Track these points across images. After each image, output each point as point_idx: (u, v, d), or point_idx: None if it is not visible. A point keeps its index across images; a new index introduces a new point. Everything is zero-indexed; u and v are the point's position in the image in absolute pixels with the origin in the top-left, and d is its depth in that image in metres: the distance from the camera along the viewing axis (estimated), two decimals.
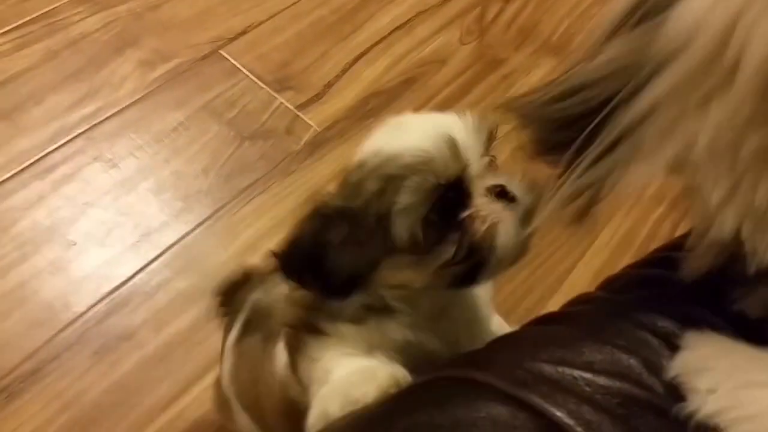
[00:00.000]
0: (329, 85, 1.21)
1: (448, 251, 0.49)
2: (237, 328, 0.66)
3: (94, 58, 1.14)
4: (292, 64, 1.22)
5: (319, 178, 1.09)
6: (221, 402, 0.71)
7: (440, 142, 0.49)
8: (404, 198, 0.48)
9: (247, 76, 1.18)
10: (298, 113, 1.16)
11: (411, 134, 0.51)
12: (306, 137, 1.14)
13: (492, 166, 0.54)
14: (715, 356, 0.43)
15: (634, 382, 0.41)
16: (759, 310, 0.43)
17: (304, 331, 0.54)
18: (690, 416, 0.39)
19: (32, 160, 1.01)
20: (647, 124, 0.39)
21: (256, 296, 0.66)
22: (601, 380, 0.41)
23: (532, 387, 0.40)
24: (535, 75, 1.32)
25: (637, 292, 0.51)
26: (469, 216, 0.49)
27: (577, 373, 0.41)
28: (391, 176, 0.48)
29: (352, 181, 0.51)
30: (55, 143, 1.04)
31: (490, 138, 0.55)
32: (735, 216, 0.38)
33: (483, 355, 0.48)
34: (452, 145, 0.49)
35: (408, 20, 1.35)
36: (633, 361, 0.42)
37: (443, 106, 1.23)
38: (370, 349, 0.53)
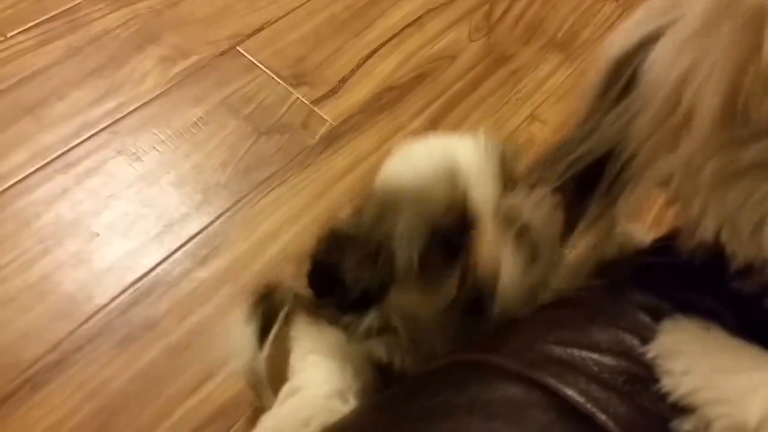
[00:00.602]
0: (344, 81, 1.18)
1: (450, 283, 0.47)
2: (279, 321, 0.63)
3: (115, 55, 1.12)
4: (308, 59, 1.20)
5: (334, 171, 1.07)
6: (254, 383, 0.69)
7: (442, 170, 0.47)
8: (401, 228, 0.46)
9: (264, 71, 1.16)
10: (314, 108, 1.13)
11: (415, 162, 0.50)
12: (321, 131, 1.11)
13: (510, 189, 0.50)
14: (689, 341, 0.44)
15: (636, 361, 0.42)
16: (752, 287, 0.43)
17: (304, 307, 0.55)
18: (666, 396, 0.41)
19: (56, 155, 0.99)
20: (635, 161, 0.45)
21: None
22: (607, 360, 0.42)
23: (543, 368, 0.41)
24: (542, 70, 1.29)
25: (639, 278, 0.50)
26: (471, 248, 0.47)
27: (584, 353, 0.42)
28: (390, 206, 0.47)
29: (360, 208, 0.51)
30: (79, 138, 1.01)
31: (506, 161, 0.51)
32: (713, 224, 0.42)
33: (495, 339, 0.48)
34: (452, 174, 0.47)
35: (419, 17, 1.32)
36: (635, 341, 0.43)
37: (454, 101, 1.20)
38: (343, 360, 0.53)
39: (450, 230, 0.47)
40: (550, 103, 1.25)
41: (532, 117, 1.22)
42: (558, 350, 0.43)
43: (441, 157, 0.48)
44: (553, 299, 0.52)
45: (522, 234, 0.48)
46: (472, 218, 0.47)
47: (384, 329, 0.52)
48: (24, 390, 0.80)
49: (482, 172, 0.48)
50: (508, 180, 0.50)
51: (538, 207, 0.50)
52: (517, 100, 1.24)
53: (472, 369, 0.44)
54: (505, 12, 1.38)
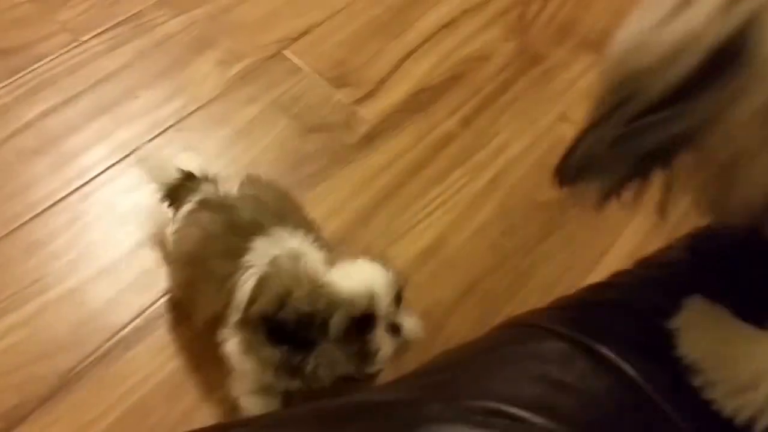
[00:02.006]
0: (382, 82, 1.54)
1: (356, 347, 0.94)
2: (191, 203, 1.08)
3: (178, 58, 1.49)
4: (349, 61, 1.56)
5: (373, 167, 1.41)
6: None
7: (365, 288, 0.92)
8: (337, 317, 0.90)
9: (310, 73, 1.52)
10: (355, 108, 1.49)
11: (355, 278, 0.93)
12: (362, 130, 1.46)
13: (398, 305, 0.97)
14: (701, 317, 0.69)
15: (656, 330, 0.70)
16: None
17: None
18: (681, 358, 0.67)
19: (132, 149, 1.36)
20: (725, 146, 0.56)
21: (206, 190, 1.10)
22: (633, 328, 0.72)
23: (582, 331, 0.70)
24: (574, 70, 1.62)
25: (664, 269, 0.82)
26: (369, 339, 0.94)
27: (613, 323, 0.72)
28: (331, 303, 0.91)
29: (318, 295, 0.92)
30: (151, 134, 1.38)
31: (399, 288, 0.97)
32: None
33: (546, 310, 0.81)
34: (371, 292, 0.92)
35: (453, 19, 1.66)
36: (656, 317, 0.71)
37: (487, 101, 1.54)
38: (261, 386, 1.03)
39: (363, 321, 0.92)
40: (580, 104, 1.57)
41: (562, 117, 1.55)
42: (592, 319, 0.72)
43: (368, 278, 0.93)
44: (591, 285, 0.86)
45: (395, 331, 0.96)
46: (376, 318, 0.93)
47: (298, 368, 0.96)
48: (117, 349, 1.16)
49: (385, 293, 0.93)
50: (396, 296, 0.95)
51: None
52: (548, 100, 1.57)
53: (528, 329, 0.74)
54: (538, 13, 1.72)
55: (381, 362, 0.95)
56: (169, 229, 1.11)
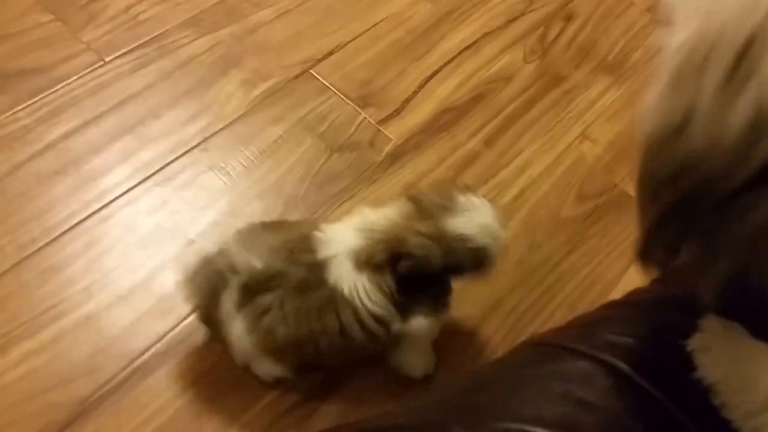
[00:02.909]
0: (407, 101, 1.35)
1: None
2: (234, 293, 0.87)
3: (202, 78, 1.30)
4: (374, 82, 1.37)
5: (398, 186, 1.23)
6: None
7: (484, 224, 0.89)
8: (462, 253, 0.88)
9: (335, 93, 1.33)
10: (380, 127, 1.30)
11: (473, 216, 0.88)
12: (387, 149, 1.28)
13: None
14: (717, 339, 0.61)
15: (671, 349, 0.62)
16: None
17: None
18: (700, 381, 0.60)
19: (155, 170, 1.17)
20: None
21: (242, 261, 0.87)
22: (649, 346, 0.64)
23: (602, 349, 0.62)
24: (594, 91, 1.45)
25: (681, 287, 0.67)
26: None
27: (631, 340, 0.64)
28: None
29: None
30: (175, 154, 1.20)
31: None
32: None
33: (567, 329, 0.70)
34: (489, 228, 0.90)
35: (475, 41, 1.48)
36: (674, 333, 0.63)
37: (509, 121, 1.36)
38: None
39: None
40: (600, 123, 1.40)
41: (583, 136, 1.37)
42: (612, 337, 0.65)
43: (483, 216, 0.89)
44: (612, 301, 0.78)
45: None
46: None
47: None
48: (136, 376, 0.98)
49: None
50: None
51: None
52: (569, 119, 1.39)
53: (549, 349, 0.65)
54: (559, 35, 1.53)
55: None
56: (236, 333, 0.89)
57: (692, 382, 0.60)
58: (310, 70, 1.36)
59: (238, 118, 1.26)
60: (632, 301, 0.75)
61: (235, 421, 0.97)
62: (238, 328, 0.87)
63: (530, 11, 1.57)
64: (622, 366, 0.61)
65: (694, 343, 0.62)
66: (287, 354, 0.91)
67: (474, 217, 0.86)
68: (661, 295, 0.72)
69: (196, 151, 1.21)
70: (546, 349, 0.66)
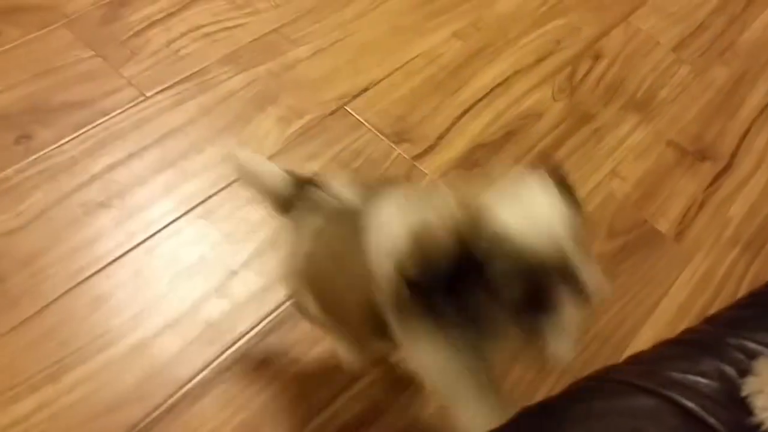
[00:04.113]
0: (440, 137, 1.43)
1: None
2: (317, 217, 0.81)
3: (240, 114, 1.39)
4: (408, 118, 1.45)
5: None
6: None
7: (547, 236, 0.67)
8: (498, 265, 0.66)
9: (370, 129, 1.41)
10: (414, 163, 1.38)
11: (525, 215, 0.66)
12: (422, 185, 1.36)
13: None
14: None
15: (734, 386, 0.66)
16: None
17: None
18: (758, 426, 0.62)
19: (197, 202, 1.25)
20: None
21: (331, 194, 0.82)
22: (714, 384, 0.67)
23: (669, 387, 0.65)
24: (622, 129, 1.53)
25: (733, 325, 0.76)
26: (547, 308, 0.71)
27: (698, 378, 0.67)
28: (493, 241, 0.65)
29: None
30: (216, 188, 1.27)
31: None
32: None
33: (626, 366, 0.74)
34: (553, 237, 0.67)
35: (506, 78, 1.57)
36: (733, 372, 0.67)
37: (541, 157, 1.43)
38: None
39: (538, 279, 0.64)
40: (629, 161, 1.47)
41: (612, 173, 1.45)
42: (677, 375, 0.68)
43: (545, 220, 0.65)
44: (667, 340, 0.79)
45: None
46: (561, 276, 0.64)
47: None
48: (184, 402, 1.04)
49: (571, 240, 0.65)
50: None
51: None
52: (598, 157, 1.47)
53: (614, 385, 0.69)
54: (587, 73, 1.62)
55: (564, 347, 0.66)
56: (293, 246, 0.88)
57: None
58: (345, 107, 1.44)
59: (274, 154, 1.34)
60: (688, 339, 0.78)
61: None
62: None
63: (559, 50, 1.66)
64: (690, 404, 0.63)
65: (747, 387, 0.66)
66: None
67: (526, 208, 0.63)
68: (714, 335, 0.76)
69: (235, 185, 1.28)
70: (611, 384, 0.69)
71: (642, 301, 1.28)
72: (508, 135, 1.47)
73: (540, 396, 1.12)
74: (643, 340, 1.23)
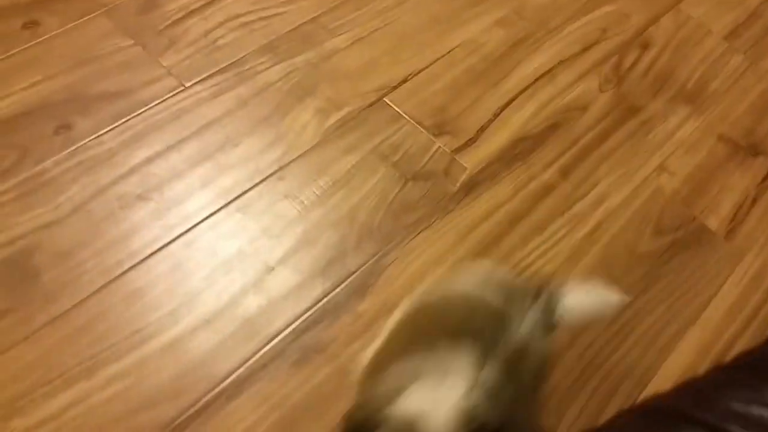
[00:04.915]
0: (482, 130, 1.39)
1: None
2: None
3: (278, 106, 1.36)
4: (448, 109, 1.41)
5: (473, 217, 1.27)
6: None
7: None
8: None
9: (409, 121, 1.38)
10: (454, 156, 1.34)
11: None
12: (462, 179, 1.32)
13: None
14: None
15: None
16: None
17: None
18: None
19: (234, 196, 1.23)
20: None
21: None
22: None
23: (730, 420, 0.60)
24: (671, 122, 1.46)
25: None
26: None
27: (762, 410, 0.60)
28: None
29: None
30: (252, 182, 1.25)
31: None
32: None
33: (679, 393, 0.68)
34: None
35: (550, 69, 1.52)
36: None
37: (585, 151, 1.39)
38: None
39: None
40: (678, 155, 1.41)
41: (660, 168, 1.39)
42: (739, 406, 0.62)
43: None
44: (727, 364, 0.73)
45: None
46: None
47: None
48: (220, 400, 1.03)
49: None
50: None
51: None
52: (646, 151, 1.41)
53: (663, 418, 0.64)
54: (635, 63, 1.55)
55: None
56: None
57: None
58: (384, 98, 1.41)
59: (312, 147, 1.32)
60: (748, 364, 0.72)
61: None
62: None
63: (605, 39, 1.60)
64: None
65: None
66: None
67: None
68: None
69: (272, 179, 1.26)
70: (660, 416, 0.64)
71: (689, 303, 1.24)
72: (552, 128, 1.42)
73: (576, 408, 1.09)
74: (690, 344, 1.18)
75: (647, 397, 1.10)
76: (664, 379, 1.15)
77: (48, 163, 1.23)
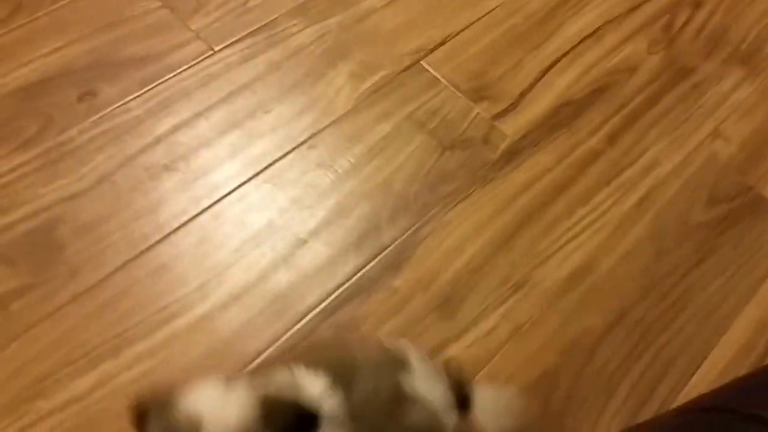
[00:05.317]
0: (523, 95, 1.30)
1: None
2: None
3: (310, 71, 1.29)
4: (488, 73, 1.32)
5: (514, 187, 1.19)
6: None
7: None
8: None
9: (447, 86, 1.29)
10: (494, 123, 1.26)
11: None
12: (502, 146, 1.24)
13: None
14: None
15: None
16: None
17: None
18: None
19: (264, 166, 1.17)
20: None
21: None
22: None
23: None
24: (725, 84, 1.36)
25: None
26: None
27: None
28: None
29: None
30: (283, 150, 1.19)
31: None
32: None
33: (734, 389, 0.61)
34: None
35: (596, 29, 1.41)
36: None
37: (633, 116, 1.29)
38: None
39: None
40: (733, 120, 1.31)
41: (714, 133, 1.29)
42: None
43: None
44: None
45: None
46: None
47: None
48: None
49: None
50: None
51: None
52: (699, 115, 1.31)
53: (726, 416, 0.57)
54: (686, 23, 1.44)
55: None
56: None
57: None
58: (421, 62, 1.32)
59: (345, 114, 1.24)
60: None
61: None
62: None
63: None
64: None
65: None
66: None
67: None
68: None
69: (303, 147, 1.19)
70: (722, 416, 0.57)
71: (745, 276, 1.15)
72: (598, 92, 1.33)
73: (626, 387, 1.02)
74: (747, 321, 1.10)
75: (702, 376, 1.04)
76: (720, 357, 1.06)
77: (72, 131, 1.18)
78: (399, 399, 0.69)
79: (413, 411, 0.69)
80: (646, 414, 1.00)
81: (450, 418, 0.72)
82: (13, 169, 1.13)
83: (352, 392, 0.67)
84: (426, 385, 0.71)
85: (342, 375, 0.67)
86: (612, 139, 1.27)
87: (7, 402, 0.93)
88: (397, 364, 0.72)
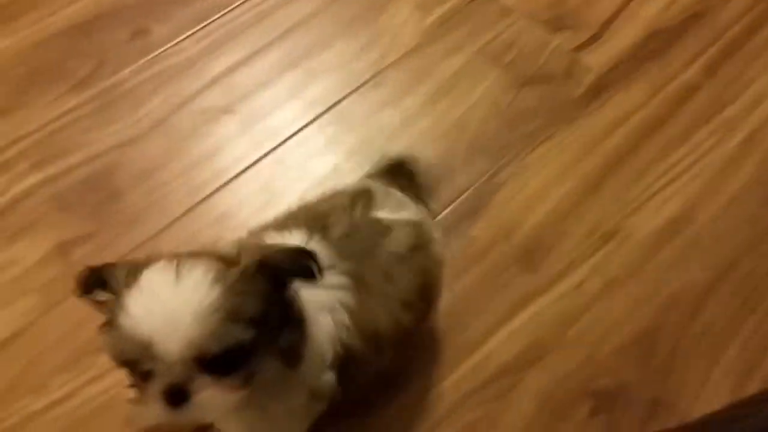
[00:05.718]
0: (608, 23, 1.18)
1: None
2: None
3: (372, 2, 1.18)
4: (566, 0, 1.19)
5: (602, 126, 1.07)
6: None
7: None
8: None
9: (522, 15, 1.17)
10: (576, 55, 1.14)
11: None
12: (586, 81, 1.12)
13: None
14: None
15: None
16: None
17: None
18: None
19: (327, 106, 1.07)
20: None
21: None
22: None
23: None
24: None
25: None
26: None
27: None
28: None
29: None
30: (346, 90, 1.09)
31: None
32: None
33: None
34: None
35: None
36: None
37: (736, 44, 1.17)
38: None
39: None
40: None
41: None
42: None
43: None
44: None
45: None
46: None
47: None
48: None
49: None
50: None
51: None
52: None
53: None
54: None
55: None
56: None
57: None
58: None
59: (412, 49, 1.13)
60: None
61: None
62: None
63: None
64: None
65: None
66: None
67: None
68: None
69: (368, 86, 1.09)
70: None
71: None
72: (691, 19, 1.19)
73: (734, 349, 0.91)
74: None
75: None
76: None
77: (125, 72, 1.10)
78: (377, 227, 0.70)
79: (395, 233, 0.70)
80: (759, 377, 0.89)
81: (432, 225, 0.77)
82: (67, 112, 1.07)
83: (330, 235, 0.67)
84: (397, 207, 0.74)
85: (315, 226, 0.68)
86: (711, 71, 1.13)
87: (68, 356, 0.88)
88: (363, 199, 0.73)
